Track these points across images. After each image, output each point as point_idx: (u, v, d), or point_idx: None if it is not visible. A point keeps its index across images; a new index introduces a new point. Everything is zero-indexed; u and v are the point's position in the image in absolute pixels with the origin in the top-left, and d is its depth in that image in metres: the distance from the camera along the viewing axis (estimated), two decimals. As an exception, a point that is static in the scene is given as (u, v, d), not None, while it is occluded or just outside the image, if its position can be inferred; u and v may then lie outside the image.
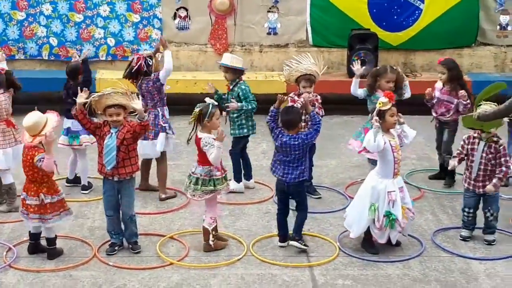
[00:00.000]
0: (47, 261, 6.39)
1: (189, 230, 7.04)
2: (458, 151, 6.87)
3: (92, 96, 6.44)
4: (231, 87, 7.92)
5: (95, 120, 6.72)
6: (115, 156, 6.39)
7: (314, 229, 7.01)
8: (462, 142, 6.86)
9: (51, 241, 6.48)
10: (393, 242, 6.65)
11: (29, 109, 6.43)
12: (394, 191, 6.47)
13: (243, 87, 7.92)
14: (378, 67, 8.04)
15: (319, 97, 7.70)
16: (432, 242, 6.87)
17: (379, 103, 6.50)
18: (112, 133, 6.44)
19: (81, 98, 6.47)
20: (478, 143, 6.73)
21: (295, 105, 7.40)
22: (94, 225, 7.16)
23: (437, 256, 6.63)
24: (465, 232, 6.94)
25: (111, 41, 11.69)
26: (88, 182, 8.02)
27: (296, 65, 7.60)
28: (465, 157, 6.82)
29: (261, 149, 9.62)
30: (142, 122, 6.46)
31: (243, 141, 8.08)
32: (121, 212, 6.61)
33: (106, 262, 6.36)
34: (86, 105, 6.43)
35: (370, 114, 7.60)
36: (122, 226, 6.66)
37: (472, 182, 6.78)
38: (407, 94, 7.86)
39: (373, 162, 7.75)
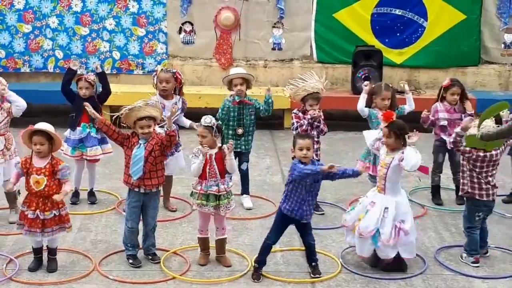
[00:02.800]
0: (50, 274, 6.37)
1: (192, 245, 7.03)
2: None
3: (124, 109, 6.41)
4: (248, 100, 7.81)
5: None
6: (142, 166, 6.38)
7: (316, 245, 6.96)
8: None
9: (53, 251, 6.47)
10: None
11: (33, 121, 6.44)
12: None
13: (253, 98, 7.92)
14: (373, 85, 8.04)
15: (321, 113, 7.70)
16: (435, 260, 6.85)
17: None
18: (140, 143, 6.42)
19: (91, 110, 6.51)
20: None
21: (301, 121, 7.43)
22: (97, 238, 7.15)
23: (440, 274, 6.61)
24: (468, 251, 6.93)
25: (116, 55, 11.75)
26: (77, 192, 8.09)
27: (302, 84, 7.54)
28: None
29: (265, 164, 9.63)
30: (168, 131, 6.44)
31: None
32: (144, 223, 6.62)
33: (107, 276, 6.36)
34: (114, 117, 6.42)
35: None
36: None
37: (493, 191, 6.75)
38: (410, 107, 7.99)
39: (373, 179, 7.77)
